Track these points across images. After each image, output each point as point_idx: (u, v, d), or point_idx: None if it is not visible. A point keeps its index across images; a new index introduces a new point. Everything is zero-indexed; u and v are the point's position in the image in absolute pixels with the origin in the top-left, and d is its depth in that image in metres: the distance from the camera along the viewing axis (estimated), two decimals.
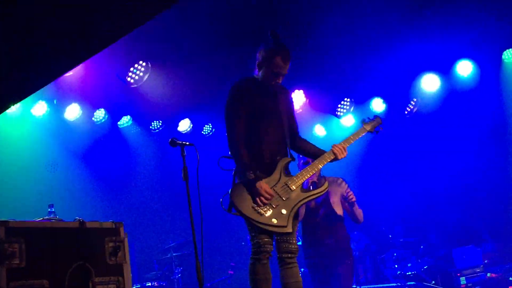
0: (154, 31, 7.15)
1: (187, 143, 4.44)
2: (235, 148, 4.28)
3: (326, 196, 5.63)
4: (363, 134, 4.85)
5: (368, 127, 4.87)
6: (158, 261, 8.28)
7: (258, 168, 4.27)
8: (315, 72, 7.94)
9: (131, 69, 7.90)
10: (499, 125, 8.89)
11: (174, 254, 8.05)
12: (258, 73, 4.45)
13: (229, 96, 4.41)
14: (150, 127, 9.21)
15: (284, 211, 4.25)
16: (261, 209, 4.19)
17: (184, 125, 9.39)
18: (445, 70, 9.15)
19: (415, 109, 9.62)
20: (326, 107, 9.46)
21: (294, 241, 4.34)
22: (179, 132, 9.28)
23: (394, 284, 7.48)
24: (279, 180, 4.35)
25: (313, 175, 4.61)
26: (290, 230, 4.29)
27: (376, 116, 5.00)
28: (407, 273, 8.13)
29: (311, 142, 4.78)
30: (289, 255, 4.31)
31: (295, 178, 4.41)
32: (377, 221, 9.32)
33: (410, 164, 9.61)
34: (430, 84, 9.25)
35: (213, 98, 8.65)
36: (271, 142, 4.41)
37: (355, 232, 8.10)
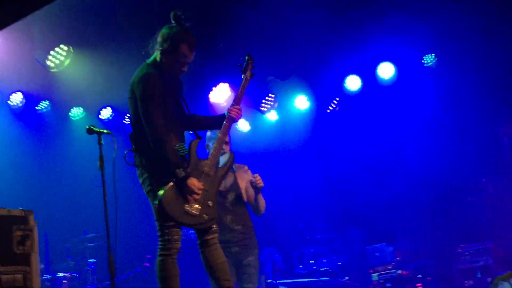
0: (78, 15, 6.97)
1: (105, 131, 4.30)
2: (163, 148, 3.98)
3: (235, 180, 5.44)
4: (248, 83, 4.50)
5: (248, 74, 4.49)
6: (72, 252, 8.05)
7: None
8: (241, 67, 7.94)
9: (52, 52, 7.63)
10: (418, 126, 9.17)
11: (88, 245, 7.87)
12: (161, 60, 4.13)
13: (144, 89, 4.04)
14: (70, 113, 8.94)
15: (210, 203, 4.16)
16: (192, 208, 4.06)
17: (106, 113, 9.17)
18: (367, 72, 9.39)
19: (337, 108, 9.81)
20: (251, 102, 9.50)
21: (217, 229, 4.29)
22: (101, 120, 9.06)
23: (308, 280, 7.60)
24: (197, 169, 4.18)
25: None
26: (219, 219, 4.31)
27: (247, 55, 4.56)
28: (322, 269, 8.30)
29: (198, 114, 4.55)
30: (211, 236, 4.21)
31: (209, 162, 4.23)
32: (298, 217, 9.48)
33: (331, 162, 9.80)
34: (352, 84, 9.46)
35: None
36: (179, 134, 4.22)
37: None
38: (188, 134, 4.43)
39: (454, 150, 8.70)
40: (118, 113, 9.26)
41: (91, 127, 4.27)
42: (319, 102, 9.83)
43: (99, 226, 7.98)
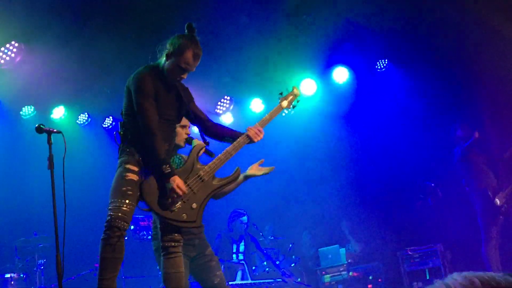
0: (30, 11, 6.82)
1: (55, 130, 4.26)
2: (153, 140, 3.99)
3: None
4: (280, 111, 4.56)
5: (284, 104, 4.59)
6: (20, 252, 7.87)
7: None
8: (196, 69, 7.96)
9: (2, 49, 7.46)
10: (370, 130, 9.30)
11: (38, 245, 7.71)
12: (165, 63, 4.20)
13: (138, 84, 4.12)
14: (21, 112, 8.74)
15: (194, 206, 4.15)
16: (172, 204, 4.07)
17: (58, 113, 9.01)
18: (322, 75, 9.50)
19: (292, 111, 9.84)
20: (206, 104, 9.48)
21: (179, 230, 4.22)
22: (52, 120, 8.89)
23: (261, 281, 7.62)
24: (191, 171, 4.22)
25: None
26: (199, 225, 4.21)
27: (294, 88, 4.72)
28: (275, 271, 8.34)
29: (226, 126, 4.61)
30: (173, 243, 4.20)
31: (207, 168, 4.25)
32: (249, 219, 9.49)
33: (283, 165, 9.84)
34: (307, 87, 9.54)
35: (91, 86, 8.39)
36: (168, 137, 4.22)
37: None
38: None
39: (405, 155, 8.87)
40: (71, 113, 9.11)
41: (40, 126, 4.23)
42: (274, 105, 9.85)
43: (49, 227, 7.86)
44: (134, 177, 4.02)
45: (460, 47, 8.06)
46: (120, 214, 3.89)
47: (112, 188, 4.01)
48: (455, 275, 1.44)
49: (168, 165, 4.01)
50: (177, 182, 4.02)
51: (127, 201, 3.93)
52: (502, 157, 7.64)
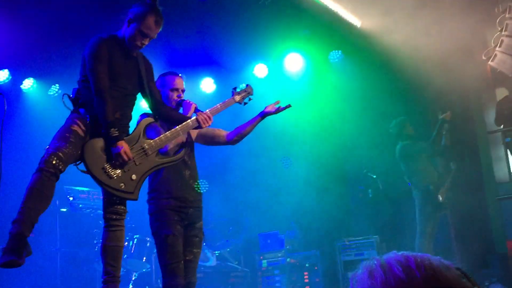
0: None
1: None
2: (103, 102, 3.96)
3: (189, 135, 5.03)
4: (232, 104, 4.78)
5: (237, 98, 4.83)
6: None
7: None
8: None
9: None
10: (319, 118, 9.34)
11: None
12: (126, 30, 4.20)
13: (92, 49, 4.09)
14: None
15: (134, 177, 4.10)
16: (112, 170, 4.00)
17: (2, 75, 8.70)
18: (274, 61, 9.52)
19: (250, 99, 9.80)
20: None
21: (123, 202, 4.19)
22: None
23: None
24: (137, 141, 4.19)
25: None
26: (136, 198, 4.15)
27: (247, 86, 4.95)
28: (214, 252, 8.35)
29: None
30: (115, 216, 4.15)
31: (152, 143, 4.24)
32: None
33: (229, 148, 9.78)
34: (260, 71, 9.55)
35: (40, 50, 8.14)
36: (121, 105, 4.18)
37: None
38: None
39: (351, 145, 8.97)
40: (15, 77, 8.82)
41: None
42: (226, 85, 9.82)
43: None
44: (79, 131, 3.97)
45: None
46: (58, 152, 3.80)
47: (55, 135, 3.95)
48: (392, 253, 1.47)
49: (116, 129, 3.97)
50: (124, 146, 3.99)
51: (67, 145, 3.85)
52: (437, 150, 7.83)
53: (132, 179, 4.10)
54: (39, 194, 3.76)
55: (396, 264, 1.41)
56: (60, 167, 3.81)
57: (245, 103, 4.93)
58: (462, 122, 8.16)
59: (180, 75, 4.86)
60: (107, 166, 4.00)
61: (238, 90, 4.87)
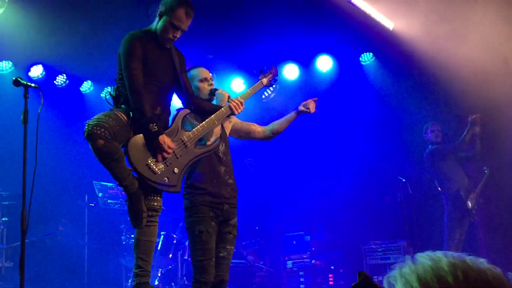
0: None
1: (32, 84, 4.18)
2: (138, 99, 3.98)
3: (223, 131, 4.93)
4: (261, 88, 4.83)
5: (265, 81, 4.85)
6: None
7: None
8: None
9: None
10: (348, 121, 9.31)
11: (2, 203, 7.59)
12: (157, 23, 4.24)
13: (125, 47, 4.14)
14: None
15: (176, 170, 4.14)
16: (156, 165, 4.05)
17: (36, 71, 8.82)
18: (305, 62, 9.47)
19: (272, 95, 9.81)
20: None
21: (159, 199, 4.21)
22: (30, 78, 8.70)
23: None
24: (176, 134, 4.22)
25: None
26: (179, 190, 4.21)
27: (272, 67, 4.96)
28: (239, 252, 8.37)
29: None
30: (151, 213, 4.17)
31: (190, 134, 4.27)
32: None
33: (259, 150, 9.80)
34: (290, 73, 9.53)
35: (73, 47, 8.23)
36: (159, 99, 4.22)
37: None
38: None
39: (381, 148, 8.90)
40: (49, 72, 8.94)
41: (18, 78, 4.17)
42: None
43: (15, 184, 7.71)
44: (124, 118, 3.99)
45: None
46: (101, 122, 3.80)
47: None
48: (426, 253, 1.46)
49: (154, 124, 3.99)
50: (166, 140, 4.04)
51: (113, 122, 3.87)
52: (467, 154, 7.73)
53: (174, 173, 4.14)
54: (115, 155, 3.88)
55: None
56: (106, 133, 3.79)
57: (271, 85, 4.97)
58: (497, 129, 8.03)
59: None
60: (150, 162, 4.04)
61: (264, 72, 4.89)
